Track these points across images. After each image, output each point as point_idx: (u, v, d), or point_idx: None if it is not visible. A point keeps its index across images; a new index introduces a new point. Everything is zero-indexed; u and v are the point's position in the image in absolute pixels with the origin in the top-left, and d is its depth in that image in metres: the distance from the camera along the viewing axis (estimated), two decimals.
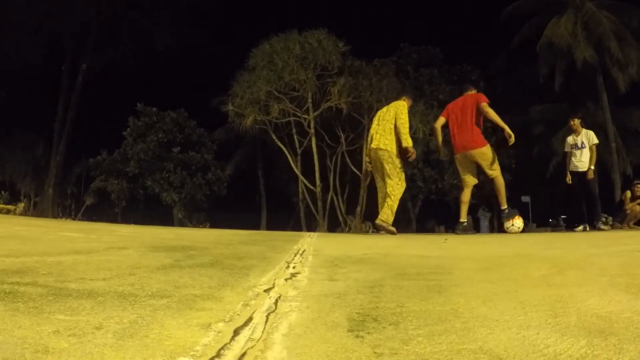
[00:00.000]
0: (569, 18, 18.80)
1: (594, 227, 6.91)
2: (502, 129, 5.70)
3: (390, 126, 5.91)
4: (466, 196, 6.05)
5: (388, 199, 5.81)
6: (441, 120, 6.17)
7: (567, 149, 7.52)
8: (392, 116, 5.94)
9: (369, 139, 6.29)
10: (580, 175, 7.22)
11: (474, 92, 6.18)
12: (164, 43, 21.32)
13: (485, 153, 5.84)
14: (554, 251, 2.62)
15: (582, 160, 7.20)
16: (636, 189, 9.09)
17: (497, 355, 0.76)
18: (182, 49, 23.13)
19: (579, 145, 7.30)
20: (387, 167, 5.83)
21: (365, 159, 6.76)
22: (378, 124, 6.08)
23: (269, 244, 2.80)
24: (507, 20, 20.42)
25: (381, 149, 5.87)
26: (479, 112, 5.78)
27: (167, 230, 4.51)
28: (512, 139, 5.65)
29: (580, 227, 7.03)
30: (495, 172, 5.92)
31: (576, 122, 7.44)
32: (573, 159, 7.33)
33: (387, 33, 31.48)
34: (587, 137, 7.25)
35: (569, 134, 7.58)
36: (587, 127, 7.52)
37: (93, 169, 18.28)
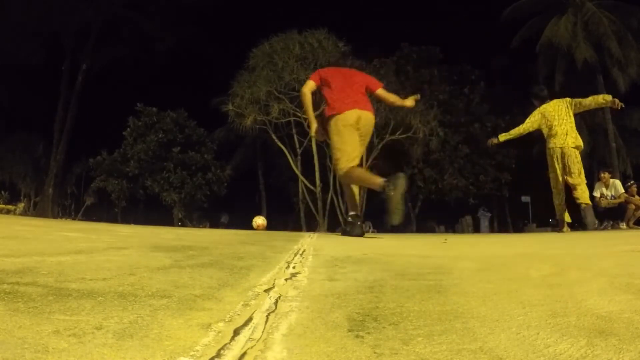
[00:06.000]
0: (569, 18, 18.82)
1: (614, 226, 7.99)
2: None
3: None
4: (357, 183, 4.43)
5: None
6: (310, 85, 4.52)
7: (596, 194, 8.26)
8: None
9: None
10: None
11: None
12: (164, 43, 21.34)
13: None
14: (554, 251, 2.62)
15: (613, 202, 8.14)
16: (630, 190, 9.28)
17: (497, 355, 0.76)
18: (182, 49, 23.16)
19: (608, 197, 8.18)
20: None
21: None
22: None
23: (269, 244, 2.80)
24: (507, 20, 20.43)
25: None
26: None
27: (167, 230, 4.50)
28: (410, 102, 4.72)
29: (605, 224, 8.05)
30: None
31: (606, 175, 8.30)
32: (603, 202, 8.16)
33: (387, 33, 31.46)
34: (615, 189, 8.17)
35: (600, 186, 8.39)
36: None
37: (93, 169, 18.28)
